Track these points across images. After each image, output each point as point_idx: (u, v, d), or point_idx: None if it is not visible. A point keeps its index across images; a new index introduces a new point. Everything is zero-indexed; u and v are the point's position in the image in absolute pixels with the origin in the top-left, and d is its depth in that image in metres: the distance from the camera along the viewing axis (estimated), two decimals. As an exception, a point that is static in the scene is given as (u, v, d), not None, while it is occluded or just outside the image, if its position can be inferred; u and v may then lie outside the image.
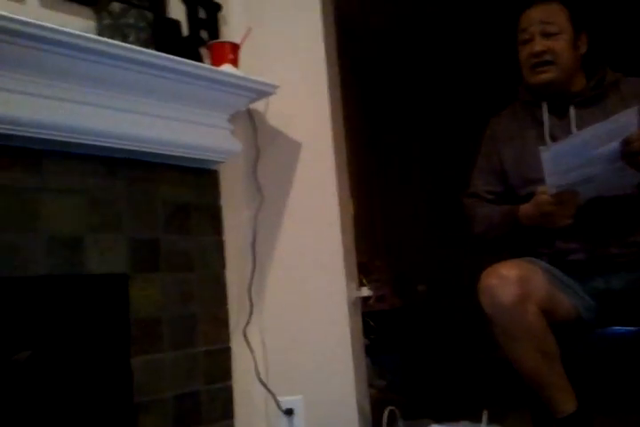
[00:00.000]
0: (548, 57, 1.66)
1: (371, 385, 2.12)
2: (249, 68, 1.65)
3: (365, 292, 1.78)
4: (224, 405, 1.61)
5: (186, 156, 1.55)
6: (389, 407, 1.66)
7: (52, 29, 1.22)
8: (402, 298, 3.04)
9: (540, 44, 1.65)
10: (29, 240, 1.31)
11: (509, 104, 1.81)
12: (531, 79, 1.69)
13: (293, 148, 1.75)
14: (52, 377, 1.39)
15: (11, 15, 1.16)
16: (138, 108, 1.44)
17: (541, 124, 1.68)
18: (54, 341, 1.42)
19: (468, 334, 3.05)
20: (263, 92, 1.63)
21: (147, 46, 1.42)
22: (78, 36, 1.27)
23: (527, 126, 1.72)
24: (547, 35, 1.65)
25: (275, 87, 1.63)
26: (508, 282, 1.47)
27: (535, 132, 1.69)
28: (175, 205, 1.58)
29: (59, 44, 1.25)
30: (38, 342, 1.39)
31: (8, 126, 1.23)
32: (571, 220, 1.54)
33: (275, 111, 1.76)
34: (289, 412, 1.67)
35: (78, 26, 1.37)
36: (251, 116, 1.72)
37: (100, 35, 1.38)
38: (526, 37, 1.68)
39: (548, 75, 1.66)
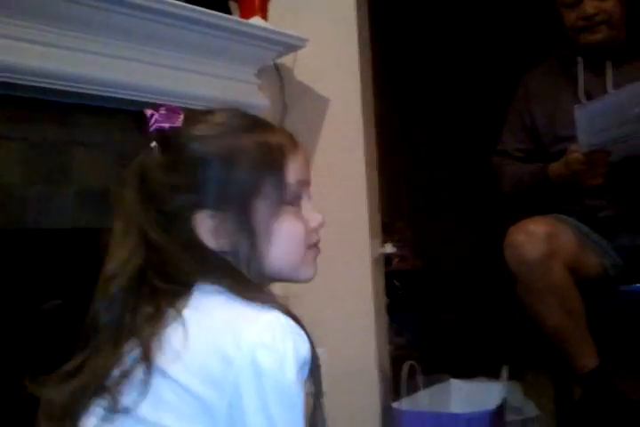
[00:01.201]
0: (599, 18, 1.59)
1: (389, 343, 2.15)
2: (278, 21, 1.62)
3: (389, 248, 1.79)
4: (248, 355, 1.64)
5: (213, 110, 1.54)
6: (409, 362, 1.69)
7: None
8: (423, 259, 3.06)
9: (590, 6, 1.58)
10: (58, 194, 1.32)
11: (543, 60, 1.77)
12: (582, 40, 1.63)
13: (321, 104, 1.73)
14: (80, 325, 1.43)
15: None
16: (166, 62, 1.43)
17: (576, 80, 1.64)
18: (83, 290, 1.46)
19: (487, 295, 3.07)
20: (292, 46, 1.61)
21: (176, -2, 1.40)
22: (107, -14, 1.25)
23: (561, 82, 1.68)
24: None
25: (304, 41, 1.61)
26: (536, 238, 1.47)
27: (569, 89, 1.65)
28: (203, 160, 1.58)
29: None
30: (68, 292, 1.42)
31: (36, 79, 1.22)
32: (601, 179, 1.53)
33: (303, 66, 1.74)
34: (312, 364, 1.71)
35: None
36: (278, 70, 1.71)
37: (128, -15, 1.36)
38: (572, 0, 1.62)
39: (600, 35, 1.60)
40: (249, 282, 0.72)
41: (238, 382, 0.64)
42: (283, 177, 0.77)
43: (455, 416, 1.57)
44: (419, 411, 1.61)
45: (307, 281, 0.81)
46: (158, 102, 1.41)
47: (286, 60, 1.72)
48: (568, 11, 1.63)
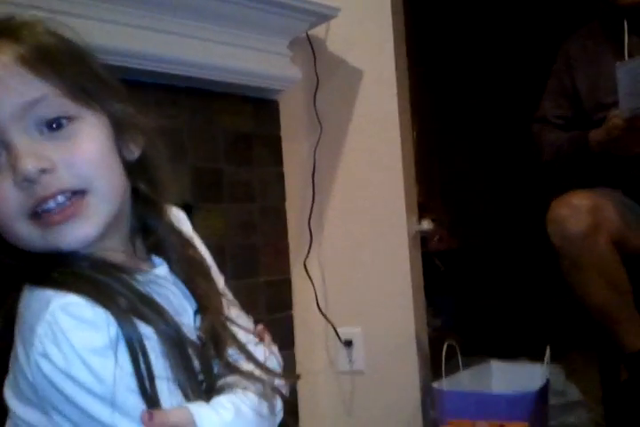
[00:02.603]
0: None
1: (427, 324, 2.10)
2: (309, -10, 1.58)
3: (426, 225, 1.74)
4: (285, 334, 1.62)
5: (245, 84, 1.51)
6: (448, 342, 1.65)
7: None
8: (458, 239, 3.00)
9: None
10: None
11: (583, 25, 1.70)
12: (622, 1, 1.56)
13: (354, 76, 1.69)
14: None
15: None
16: (198, 34, 1.40)
17: (621, 43, 1.56)
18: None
19: (524, 276, 3.00)
20: (324, 16, 1.57)
21: (206, -33, 1.37)
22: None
23: (605, 46, 1.60)
24: None
25: (336, 10, 1.56)
26: (579, 212, 1.41)
27: (613, 52, 1.57)
28: (236, 136, 1.56)
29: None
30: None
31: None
32: None
33: (335, 37, 1.69)
34: (348, 343, 1.68)
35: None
36: (310, 42, 1.66)
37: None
38: None
39: None
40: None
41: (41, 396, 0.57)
42: None
43: (498, 397, 1.52)
44: (461, 391, 1.57)
45: (64, 249, 0.61)
46: (189, 75, 1.40)
47: (318, 31, 1.67)
48: None
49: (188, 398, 0.60)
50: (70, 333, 0.56)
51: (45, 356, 0.56)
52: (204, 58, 1.41)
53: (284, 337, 1.62)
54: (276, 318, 1.61)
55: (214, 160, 1.51)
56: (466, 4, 3.31)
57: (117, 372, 0.56)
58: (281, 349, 1.58)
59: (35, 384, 0.57)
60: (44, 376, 0.56)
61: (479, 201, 3.34)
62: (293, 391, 1.63)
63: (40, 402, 0.58)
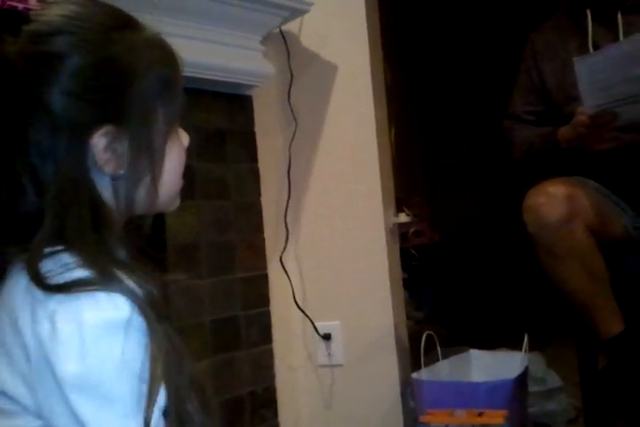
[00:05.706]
0: None
1: (408, 317, 2.12)
2: (280, -15, 1.57)
3: (403, 218, 1.75)
4: (262, 330, 1.62)
5: (218, 79, 1.50)
6: (427, 332, 1.66)
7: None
8: (440, 233, 3.01)
9: None
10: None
11: (548, 18, 1.70)
12: None
13: (328, 71, 1.68)
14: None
15: None
16: (169, 29, 1.35)
17: (585, 33, 1.57)
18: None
19: (505, 269, 3.02)
20: (297, 10, 1.56)
21: (174, -39, 1.36)
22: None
23: (570, 37, 1.60)
24: None
25: (309, 4, 1.55)
26: (555, 200, 1.41)
27: (578, 44, 1.57)
28: (208, 132, 1.55)
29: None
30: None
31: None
32: (607, 144, 1.45)
33: (309, 32, 1.69)
34: (327, 337, 1.68)
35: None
36: (284, 37, 1.66)
37: (124, -51, 1.32)
38: None
39: None
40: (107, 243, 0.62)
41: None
42: (179, 84, 0.64)
43: (476, 385, 1.53)
44: (439, 381, 1.57)
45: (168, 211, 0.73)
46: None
47: (292, 26, 1.67)
48: None
49: None
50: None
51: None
52: (175, 53, 1.40)
53: (262, 333, 1.62)
54: (254, 313, 1.60)
55: (187, 157, 1.50)
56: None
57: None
58: (259, 344, 1.61)
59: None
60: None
61: (460, 195, 3.37)
62: (272, 386, 1.63)
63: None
